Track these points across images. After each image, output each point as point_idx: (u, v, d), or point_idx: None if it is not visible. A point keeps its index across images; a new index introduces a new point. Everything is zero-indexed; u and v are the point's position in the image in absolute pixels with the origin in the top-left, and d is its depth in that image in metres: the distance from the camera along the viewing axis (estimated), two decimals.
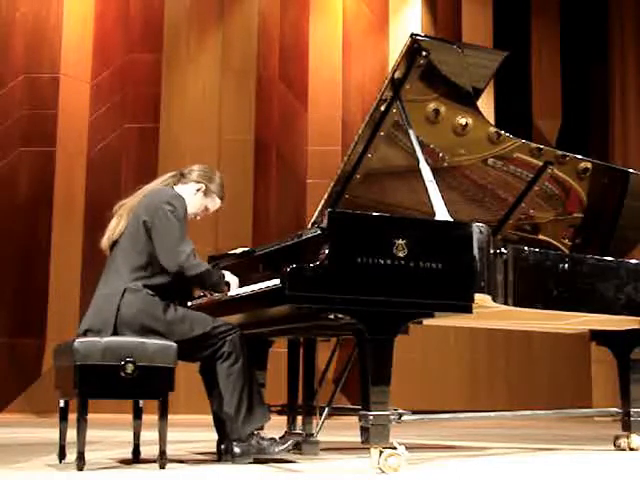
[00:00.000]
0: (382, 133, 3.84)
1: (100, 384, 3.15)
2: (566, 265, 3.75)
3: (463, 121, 3.88)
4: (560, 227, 4.44)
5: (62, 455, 3.38)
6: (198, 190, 3.65)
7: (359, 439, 3.18)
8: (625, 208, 4.44)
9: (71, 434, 3.25)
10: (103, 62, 9.32)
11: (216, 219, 8.93)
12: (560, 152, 4.20)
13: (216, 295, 3.64)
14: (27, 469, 3.31)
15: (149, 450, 3.52)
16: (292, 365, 4.05)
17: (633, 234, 4.55)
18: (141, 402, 3.52)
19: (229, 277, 3.55)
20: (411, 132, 3.69)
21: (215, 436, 3.63)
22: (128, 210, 3.53)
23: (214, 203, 3.72)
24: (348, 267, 3.11)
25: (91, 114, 9.20)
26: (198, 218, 3.74)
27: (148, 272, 3.41)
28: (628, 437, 4.27)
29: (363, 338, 3.17)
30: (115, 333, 3.29)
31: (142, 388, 3.20)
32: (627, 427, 4.26)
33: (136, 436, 3.52)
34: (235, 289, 3.54)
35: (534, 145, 4.10)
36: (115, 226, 3.53)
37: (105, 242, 3.56)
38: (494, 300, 3.44)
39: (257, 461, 3.38)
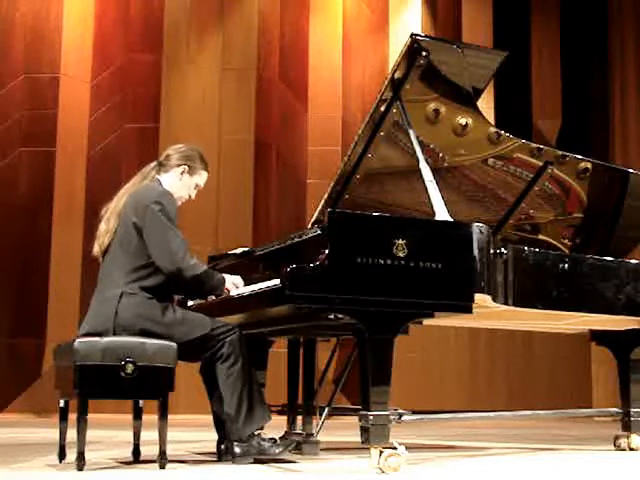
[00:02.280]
0: (382, 133, 3.84)
1: (100, 384, 3.15)
2: (566, 265, 3.75)
3: (463, 121, 3.88)
4: (560, 227, 4.44)
5: (62, 455, 3.38)
6: (182, 173, 3.61)
7: (359, 439, 3.18)
8: (625, 208, 4.44)
9: (71, 434, 3.25)
10: (103, 62, 9.32)
11: (216, 219, 8.94)
12: (560, 152, 4.20)
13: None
14: (27, 469, 3.31)
15: (149, 450, 3.52)
16: (292, 365, 4.04)
17: (633, 234, 4.55)
18: (141, 402, 3.52)
19: (231, 279, 3.52)
20: (411, 132, 3.69)
21: (215, 436, 3.63)
22: (115, 213, 3.49)
23: (202, 177, 3.68)
24: (348, 267, 3.11)
25: (91, 114, 9.20)
26: (193, 197, 3.71)
27: (143, 273, 3.38)
28: (628, 437, 4.27)
29: (363, 338, 3.17)
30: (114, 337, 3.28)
31: (142, 388, 3.20)
32: (627, 427, 4.26)
33: (136, 436, 3.53)
34: (240, 288, 3.51)
35: (534, 145, 4.10)
36: (104, 232, 3.50)
37: (96, 249, 3.53)
38: (494, 300, 3.44)
39: (257, 461, 3.38)
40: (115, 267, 3.42)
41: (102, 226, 3.53)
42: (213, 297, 3.63)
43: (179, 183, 3.61)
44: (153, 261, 3.37)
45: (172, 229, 3.38)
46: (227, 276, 3.52)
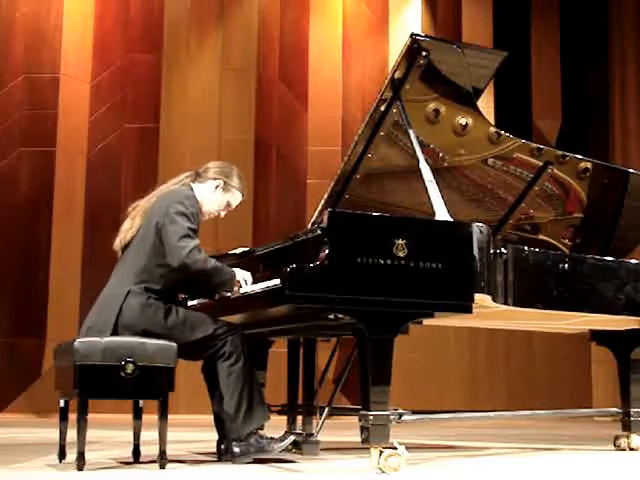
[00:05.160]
0: (382, 133, 3.84)
1: (100, 384, 3.15)
2: (566, 265, 3.75)
3: (463, 121, 3.88)
4: (560, 227, 4.44)
5: (62, 455, 3.38)
6: (217, 187, 3.63)
7: (359, 439, 3.18)
8: (625, 208, 4.44)
9: (71, 434, 3.25)
10: (103, 62, 9.32)
11: (216, 219, 8.92)
12: (560, 152, 4.20)
13: (227, 294, 3.56)
14: (27, 469, 3.31)
15: (149, 450, 3.52)
16: (292, 365, 4.04)
17: (633, 234, 4.55)
18: (141, 402, 3.52)
19: (241, 273, 3.49)
20: (411, 132, 3.69)
21: (215, 436, 3.63)
22: (142, 212, 3.52)
23: (235, 198, 3.70)
24: (348, 267, 3.11)
25: (91, 114, 9.20)
26: (222, 215, 3.72)
27: (154, 275, 3.39)
28: (628, 437, 4.27)
29: (363, 338, 3.17)
30: (115, 334, 3.28)
31: (142, 388, 3.20)
32: (627, 427, 4.26)
33: (136, 436, 3.52)
34: (248, 286, 3.49)
35: (534, 145, 4.10)
36: (128, 228, 3.52)
37: (117, 244, 3.55)
38: (494, 300, 3.44)
39: (257, 461, 3.38)
40: (129, 264, 3.45)
41: (127, 222, 3.55)
42: (221, 294, 3.61)
43: (211, 196, 3.62)
44: (165, 264, 3.38)
45: (183, 227, 3.37)
46: (237, 270, 3.50)
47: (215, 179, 3.63)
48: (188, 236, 3.37)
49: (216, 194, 3.64)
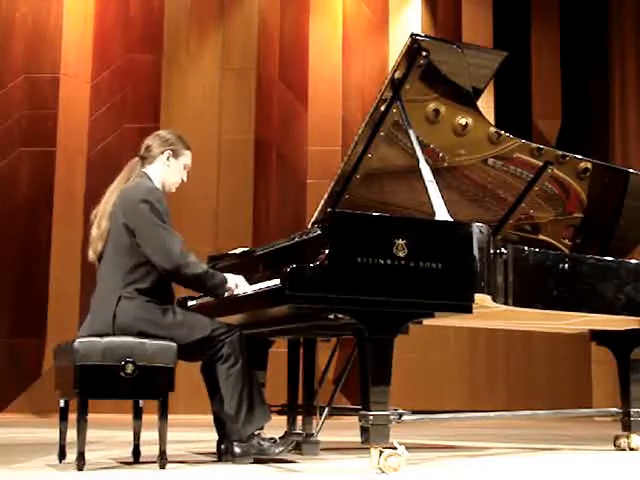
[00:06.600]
0: (382, 133, 3.83)
1: (100, 384, 3.15)
2: (566, 265, 3.75)
3: (463, 121, 3.88)
4: (560, 227, 4.44)
5: (62, 455, 3.38)
6: (168, 158, 3.59)
7: (359, 439, 3.18)
8: (625, 208, 4.44)
9: (71, 434, 3.25)
10: (103, 62, 9.32)
11: (216, 219, 8.94)
12: (560, 152, 4.20)
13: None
14: (27, 469, 3.31)
15: (149, 450, 3.52)
16: (292, 365, 4.04)
17: (633, 234, 4.55)
18: (141, 402, 3.52)
19: (234, 278, 3.49)
20: (411, 132, 3.69)
21: (215, 436, 3.63)
22: (106, 216, 3.46)
23: (187, 157, 3.65)
24: (348, 267, 3.11)
25: (91, 114, 9.20)
26: (185, 179, 3.67)
27: (138, 275, 3.35)
28: (628, 437, 4.27)
29: (363, 338, 3.17)
30: None
31: (142, 388, 3.20)
32: (627, 427, 4.26)
33: (136, 436, 3.52)
34: (243, 288, 3.49)
35: (534, 145, 4.10)
36: (97, 236, 3.47)
37: (91, 255, 3.50)
38: (494, 300, 3.44)
39: (257, 461, 3.38)
40: (111, 270, 3.40)
41: (94, 230, 3.50)
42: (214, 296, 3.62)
43: (168, 170, 3.59)
44: (147, 260, 3.35)
45: (164, 227, 3.36)
46: (229, 276, 3.50)
47: (162, 152, 3.59)
48: (171, 237, 3.34)
49: (171, 165, 3.60)
